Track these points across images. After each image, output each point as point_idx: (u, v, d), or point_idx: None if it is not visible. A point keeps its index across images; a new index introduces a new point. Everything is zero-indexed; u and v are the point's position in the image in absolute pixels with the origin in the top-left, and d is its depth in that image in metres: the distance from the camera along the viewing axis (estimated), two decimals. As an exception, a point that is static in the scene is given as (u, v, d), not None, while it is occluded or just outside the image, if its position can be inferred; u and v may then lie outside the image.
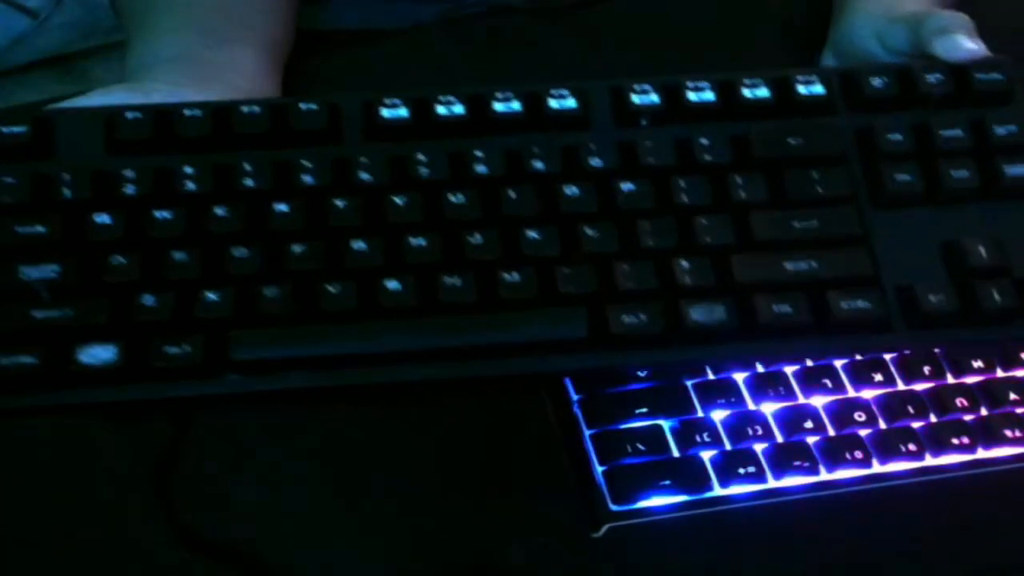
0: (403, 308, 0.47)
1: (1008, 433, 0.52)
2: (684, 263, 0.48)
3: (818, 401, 0.53)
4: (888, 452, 0.51)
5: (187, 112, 0.49)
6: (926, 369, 0.53)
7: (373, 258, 0.47)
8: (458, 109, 0.50)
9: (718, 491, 0.50)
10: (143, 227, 0.47)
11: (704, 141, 0.50)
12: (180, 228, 0.47)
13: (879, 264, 0.50)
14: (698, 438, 0.51)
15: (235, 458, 0.52)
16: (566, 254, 0.48)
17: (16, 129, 0.48)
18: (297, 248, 0.47)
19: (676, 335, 0.48)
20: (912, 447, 0.51)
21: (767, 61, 0.64)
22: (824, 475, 0.51)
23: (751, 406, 0.52)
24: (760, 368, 0.53)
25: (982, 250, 0.49)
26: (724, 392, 0.53)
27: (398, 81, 0.64)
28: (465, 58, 0.66)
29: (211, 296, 0.46)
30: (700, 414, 0.52)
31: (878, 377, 0.53)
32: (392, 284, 0.47)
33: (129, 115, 0.49)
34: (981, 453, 0.52)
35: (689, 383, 0.53)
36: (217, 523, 0.50)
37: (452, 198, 0.49)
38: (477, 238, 0.48)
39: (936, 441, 0.52)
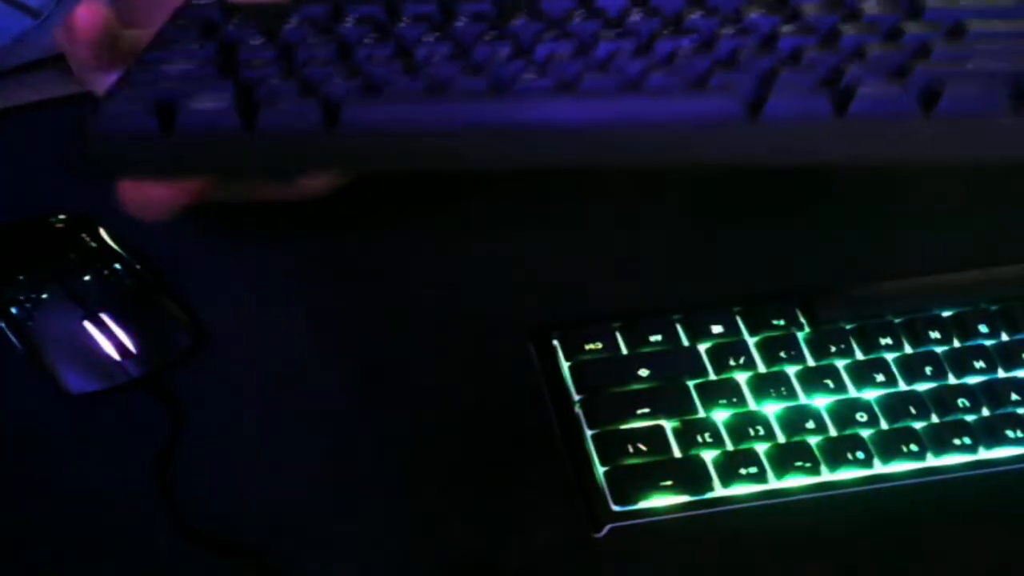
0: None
1: (1010, 434, 0.52)
2: None
3: (820, 401, 0.53)
4: (889, 452, 0.51)
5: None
6: (928, 369, 0.54)
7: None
8: None
9: (720, 491, 0.50)
10: None
11: None
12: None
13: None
14: (699, 438, 0.51)
15: (235, 452, 0.52)
16: None
17: None
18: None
19: None
20: (914, 447, 0.52)
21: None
22: (826, 475, 0.51)
23: (752, 406, 0.53)
24: (762, 368, 0.54)
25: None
26: (725, 392, 0.53)
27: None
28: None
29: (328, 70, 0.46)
30: (701, 414, 0.52)
31: (880, 377, 0.54)
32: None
33: None
34: (983, 454, 0.52)
35: (690, 383, 0.53)
36: (218, 517, 0.50)
37: None
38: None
39: (938, 441, 0.52)
